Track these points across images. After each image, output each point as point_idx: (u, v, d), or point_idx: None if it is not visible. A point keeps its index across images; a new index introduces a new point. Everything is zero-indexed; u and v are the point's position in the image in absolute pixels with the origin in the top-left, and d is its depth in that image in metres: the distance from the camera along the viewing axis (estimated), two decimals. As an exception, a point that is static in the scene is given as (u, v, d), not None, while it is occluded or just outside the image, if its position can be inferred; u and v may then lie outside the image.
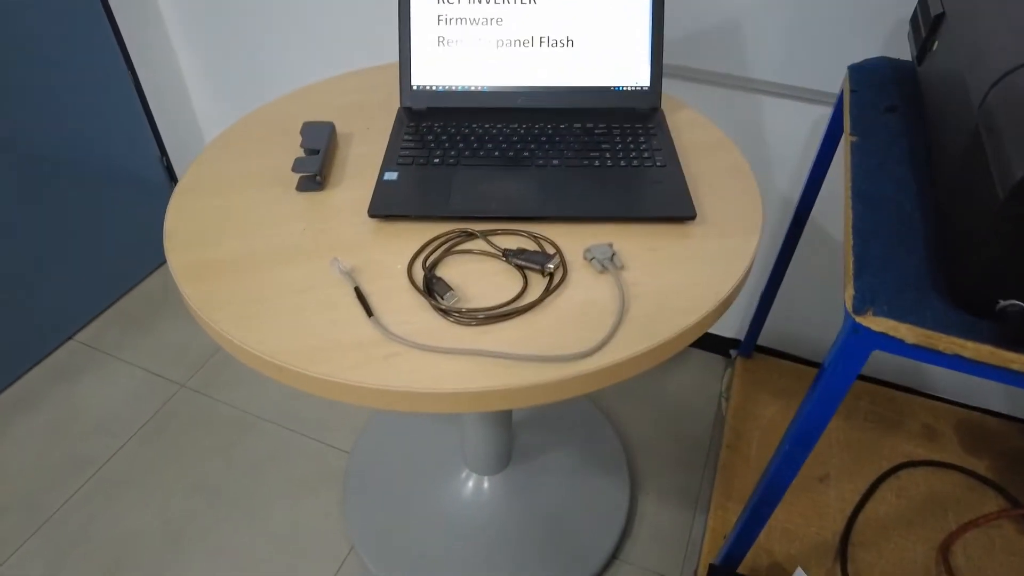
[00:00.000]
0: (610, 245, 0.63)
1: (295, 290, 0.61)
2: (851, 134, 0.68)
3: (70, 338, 1.48)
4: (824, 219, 1.14)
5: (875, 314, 0.47)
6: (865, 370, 1.28)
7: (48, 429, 1.30)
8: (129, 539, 1.13)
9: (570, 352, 0.54)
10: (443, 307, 0.58)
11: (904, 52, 0.93)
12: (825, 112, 1.04)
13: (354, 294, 0.60)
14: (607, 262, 0.62)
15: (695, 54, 1.06)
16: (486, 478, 1.14)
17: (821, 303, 1.24)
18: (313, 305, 0.60)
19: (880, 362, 1.27)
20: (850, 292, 0.49)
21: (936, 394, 1.24)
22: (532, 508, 1.13)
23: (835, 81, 1.00)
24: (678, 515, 1.17)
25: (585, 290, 0.61)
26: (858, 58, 0.96)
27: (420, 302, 0.59)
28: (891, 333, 0.47)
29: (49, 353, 1.44)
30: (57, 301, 1.43)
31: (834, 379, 0.53)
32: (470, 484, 1.14)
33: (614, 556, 1.11)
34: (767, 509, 0.67)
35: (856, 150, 0.66)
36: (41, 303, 1.40)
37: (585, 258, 0.63)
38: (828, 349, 1.36)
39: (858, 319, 0.48)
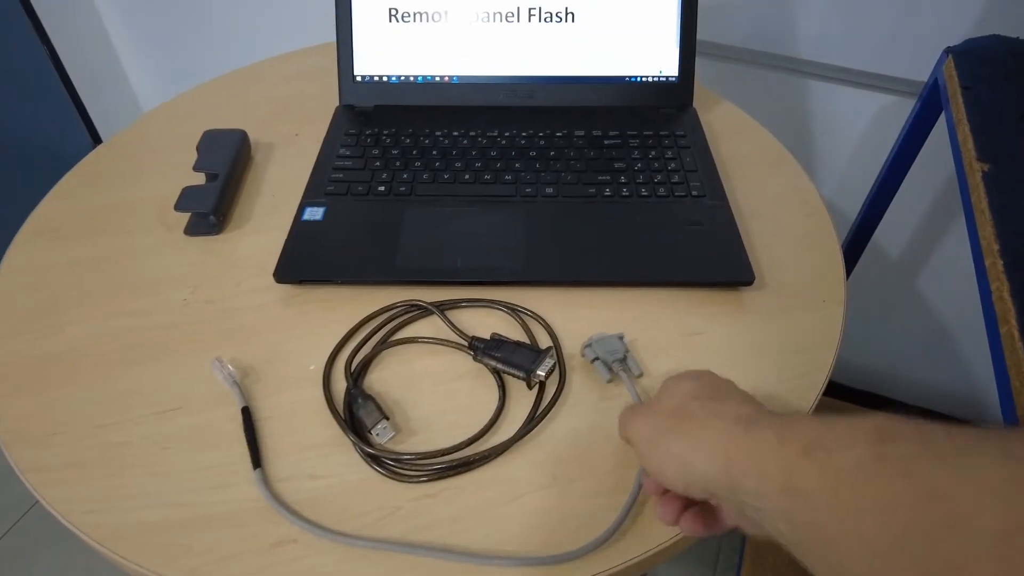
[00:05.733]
0: (620, 338, 0.42)
1: (157, 408, 0.41)
2: (979, 159, 0.47)
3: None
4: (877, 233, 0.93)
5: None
6: (923, 401, 1.09)
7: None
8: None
9: (561, 551, 0.34)
10: (371, 451, 0.37)
11: (1011, 26, 0.70)
12: (888, 102, 0.81)
13: (241, 420, 0.39)
14: (617, 365, 0.41)
15: (719, 26, 0.83)
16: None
17: (862, 324, 1.04)
18: (182, 437, 0.39)
19: (940, 389, 1.07)
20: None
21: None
22: None
23: (902, 62, 0.77)
24: (696, 580, 0.99)
25: (592, 408, 0.40)
26: (937, 33, 0.72)
27: (338, 435, 0.39)
28: None
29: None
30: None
31: None
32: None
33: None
34: None
35: (992, 184, 0.44)
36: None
37: (584, 356, 0.42)
38: (869, 376, 1.15)
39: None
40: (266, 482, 0.36)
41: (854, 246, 0.83)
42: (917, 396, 1.09)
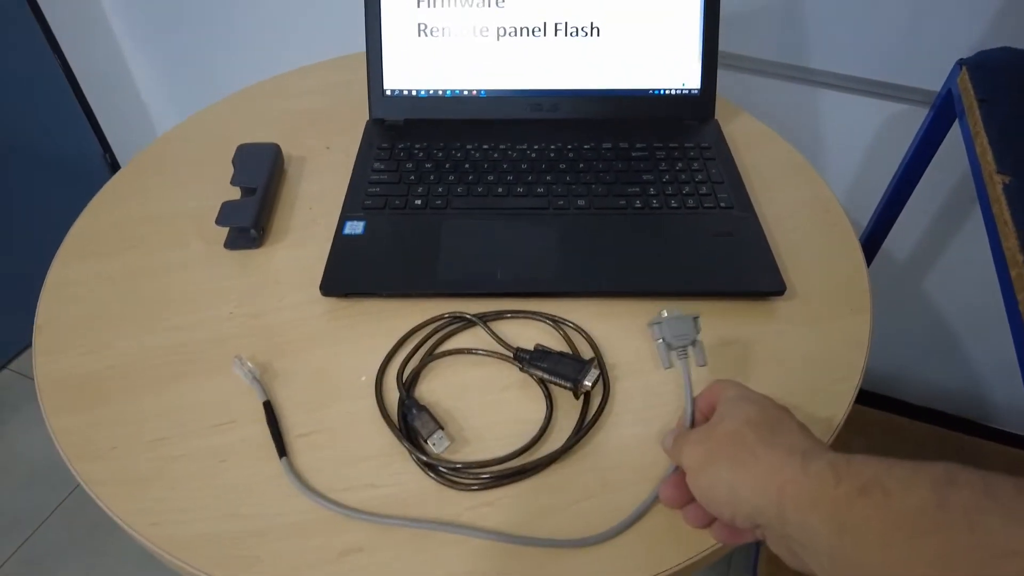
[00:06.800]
0: (695, 319, 0.41)
1: (211, 422, 0.42)
2: (999, 171, 0.48)
3: (4, 367, 1.28)
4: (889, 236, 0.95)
5: None
6: (930, 401, 1.11)
7: (-27, 483, 1.11)
8: (67, 623, 0.96)
9: (576, 536, 0.36)
10: (428, 460, 0.39)
11: (1019, 37, 0.72)
12: (897, 111, 0.83)
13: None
14: (681, 353, 0.39)
15: (730, 37, 0.84)
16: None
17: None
18: (238, 448, 0.40)
19: (947, 390, 1.09)
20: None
21: (1018, 432, 1.06)
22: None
23: (911, 71, 0.79)
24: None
25: (637, 417, 0.42)
26: (945, 43, 0.74)
27: (392, 444, 0.40)
28: None
29: (-22, 387, 1.25)
30: (-15, 326, 1.23)
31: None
32: None
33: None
34: None
35: (1014, 195, 0.46)
36: (-36, 331, 1.20)
37: (650, 331, 0.41)
38: (877, 378, 1.16)
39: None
40: (293, 470, 0.38)
41: (865, 252, 0.85)
42: (925, 397, 1.11)
